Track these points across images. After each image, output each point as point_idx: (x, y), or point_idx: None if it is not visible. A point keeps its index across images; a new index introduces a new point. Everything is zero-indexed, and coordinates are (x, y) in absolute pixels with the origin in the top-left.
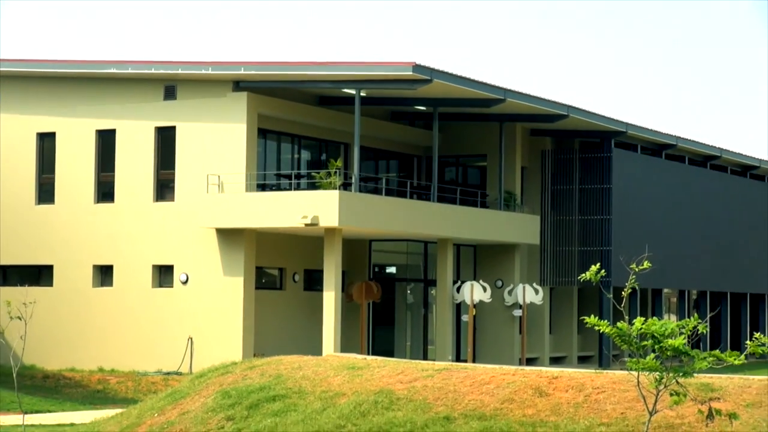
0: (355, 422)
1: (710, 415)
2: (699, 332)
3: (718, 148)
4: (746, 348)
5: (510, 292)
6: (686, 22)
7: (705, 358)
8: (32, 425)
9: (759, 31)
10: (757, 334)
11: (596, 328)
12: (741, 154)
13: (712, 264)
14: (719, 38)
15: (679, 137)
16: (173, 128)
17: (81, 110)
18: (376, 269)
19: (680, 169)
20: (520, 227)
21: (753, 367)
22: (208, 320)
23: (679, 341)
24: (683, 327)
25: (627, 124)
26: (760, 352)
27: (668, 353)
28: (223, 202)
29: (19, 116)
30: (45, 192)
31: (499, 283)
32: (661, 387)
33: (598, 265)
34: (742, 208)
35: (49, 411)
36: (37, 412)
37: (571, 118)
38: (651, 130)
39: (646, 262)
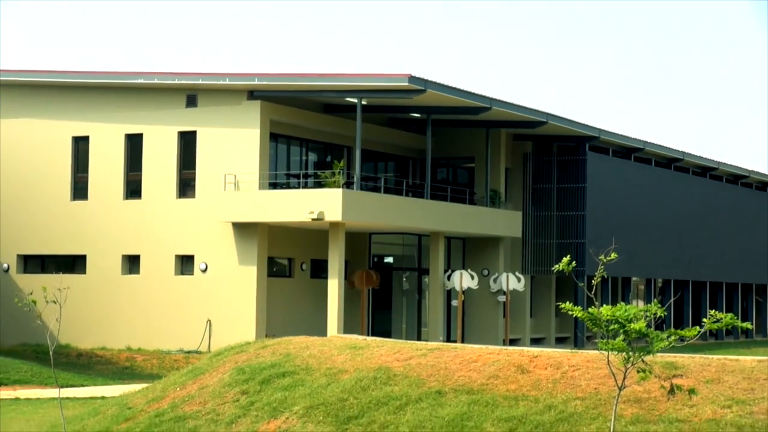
0: (357, 396)
1: (671, 391)
2: (659, 316)
3: (681, 151)
4: (704, 324)
5: (495, 280)
6: (652, 36)
7: (665, 337)
8: (67, 398)
9: (714, 42)
10: (712, 311)
11: (570, 312)
12: (702, 157)
13: (676, 255)
14: (683, 51)
15: (647, 142)
16: (194, 133)
17: (112, 116)
18: (375, 259)
19: (647, 171)
20: (504, 222)
21: (713, 347)
22: (225, 304)
23: (641, 324)
24: (646, 312)
25: (600, 130)
26: (716, 327)
27: (633, 335)
28: (238, 199)
29: (57, 122)
30: (79, 189)
31: (485, 272)
32: (629, 365)
33: (569, 257)
34: (702, 205)
35: (82, 385)
36: (71, 386)
37: (549, 124)
38: (621, 135)
39: (613, 253)
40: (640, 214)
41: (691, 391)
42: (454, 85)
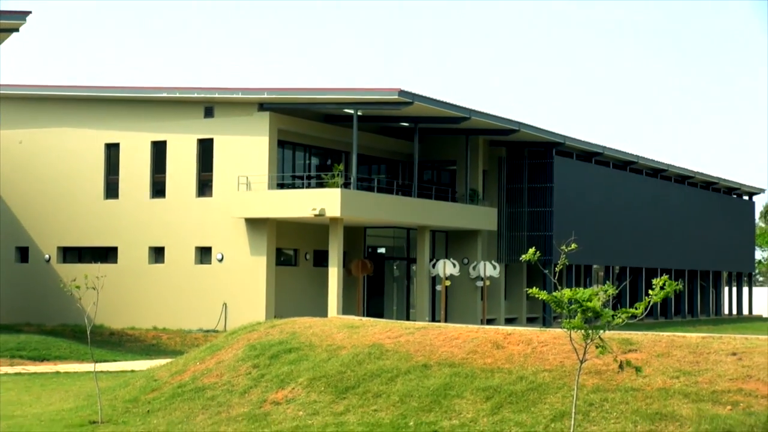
0: (353, 369)
1: (621, 366)
2: (613, 295)
3: (635, 155)
4: (651, 298)
5: (474, 268)
6: (613, 53)
7: (617, 315)
8: (101, 371)
9: (666, 55)
10: (655, 280)
11: (537, 296)
12: (653, 160)
13: (631, 245)
14: (641, 66)
15: (606, 147)
16: (211, 140)
17: (139, 126)
18: (370, 250)
19: (606, 172)
20: (481, 217)
21: (663, 326)
22: (239, 289)
23: (595, 302)
24: (599, 293)
25: (565, 137)
26: (658, 299)
27: (589, 314)
28: (250, 198)
29: (91, 130)
30: (111, 190)
31: (466, 261)
32: (588, 341)
33: (534, 248)
34: (653, 202)
35: (114, 360)
36: (105, 361)
37: (521, 132)
38: (584, 141)
39: (573, 244)
40: (599, 209)
41: (637, 369)
42: (437, 98)
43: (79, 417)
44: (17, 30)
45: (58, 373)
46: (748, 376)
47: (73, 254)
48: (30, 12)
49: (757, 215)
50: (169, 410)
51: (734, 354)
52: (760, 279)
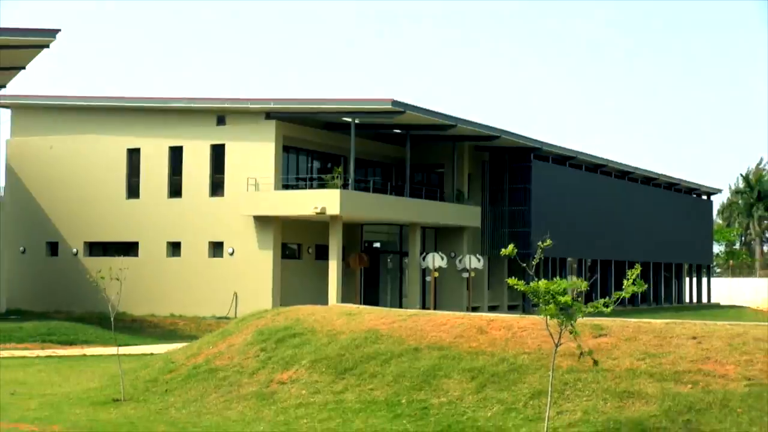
0: (351, 352)
1: (582, 355)
2: (583, 290)
3: (605, 159)
4: (621, 293)
5: (460, 261)
6: (590, 61)
7: (589, 306)
8: (124, 354)
9: (637, 65)
10: (629, 272)
11: (516, 287)
12: (621, 164)
13: (601, 240)
14: (611, 74)
15: (578, 151)
16: (223, 145)
17: (158, 132)
18: (366, 244)
19: (579, 174)
20: (467, 215)
21: (630, 313)
22: (248, 280)
23: (567, 298)
24: (572, 287)
25: (542, 142)
26: (627, 295)
27: (561, 305)
28: (258, 197)
29: (114, 137)
30: (132, 190)
31: (453, 254)
32: (563, 327)
33: (512, 245)
34: (622, 201)
35: (136, 344)
36: (127, 345)
37: (502, 138)
38: (559, 146)
39: (548, 240)
40: (573, 208)
41: (595, 362)
42: (427, 107)
43: (104, 395)
44: (48, 46)
45: (84, 356)
46: (707, 358)
47: (98, 249)
48: (59, 30)
49: (715, 213)
50: (185, 389)
51: (694, 338)
52: (718, 270)
